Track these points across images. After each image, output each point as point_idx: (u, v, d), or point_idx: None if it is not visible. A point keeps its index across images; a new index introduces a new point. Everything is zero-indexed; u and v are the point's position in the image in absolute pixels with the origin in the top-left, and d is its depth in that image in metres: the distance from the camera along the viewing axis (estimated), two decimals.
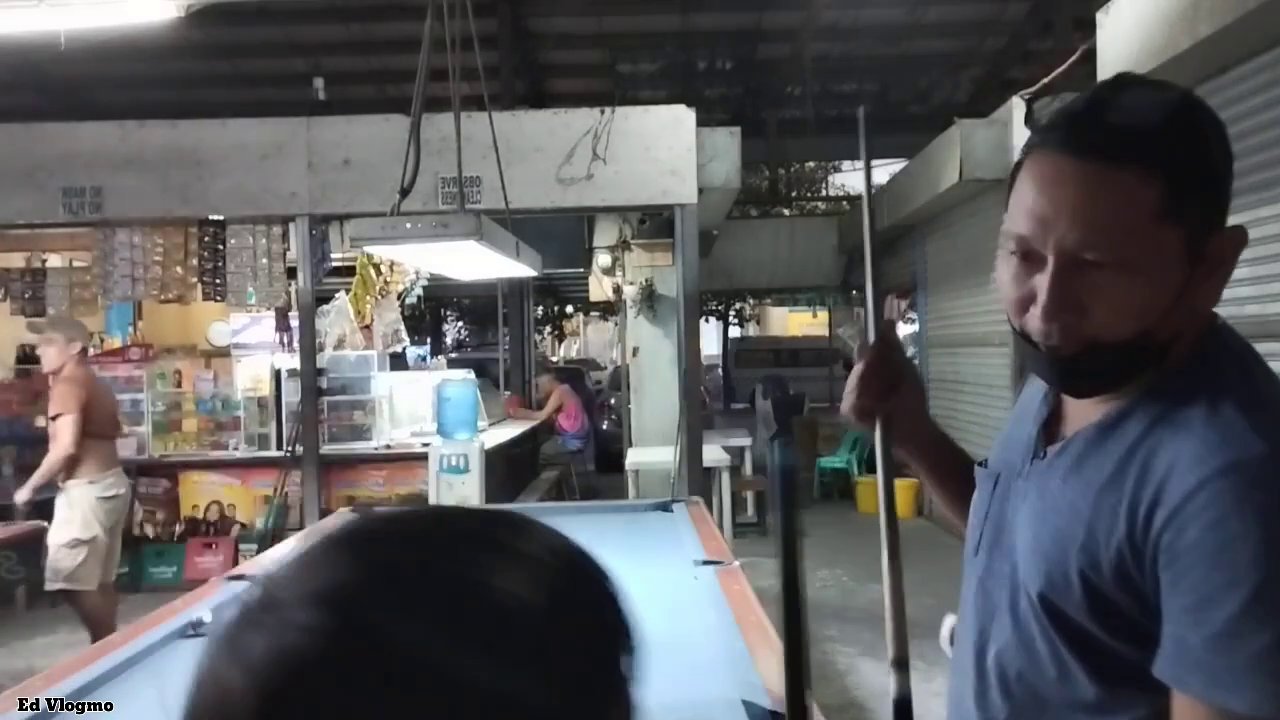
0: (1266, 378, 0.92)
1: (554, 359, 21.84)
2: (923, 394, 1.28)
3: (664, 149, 6.64)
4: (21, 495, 4.69)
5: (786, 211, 15.72)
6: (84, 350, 4.88)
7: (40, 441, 7.17)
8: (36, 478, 4.67)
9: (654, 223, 8.39)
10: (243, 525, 6.85)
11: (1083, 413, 0.98)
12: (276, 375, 7.11)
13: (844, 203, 17.57)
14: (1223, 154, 0.90)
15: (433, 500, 6.29)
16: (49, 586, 4.71)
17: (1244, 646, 0.78)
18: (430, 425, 7.12)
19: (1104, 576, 0.87)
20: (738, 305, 22.27)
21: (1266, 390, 0.90)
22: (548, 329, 24.71)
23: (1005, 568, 1.00)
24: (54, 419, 4.63)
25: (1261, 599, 0.78)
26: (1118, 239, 0.86)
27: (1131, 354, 0.91)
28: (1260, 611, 0.78)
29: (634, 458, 7.67)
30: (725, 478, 7.58)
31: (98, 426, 4.75)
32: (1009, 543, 1.00)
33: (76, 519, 4.65)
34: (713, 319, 21.45)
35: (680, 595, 2.66)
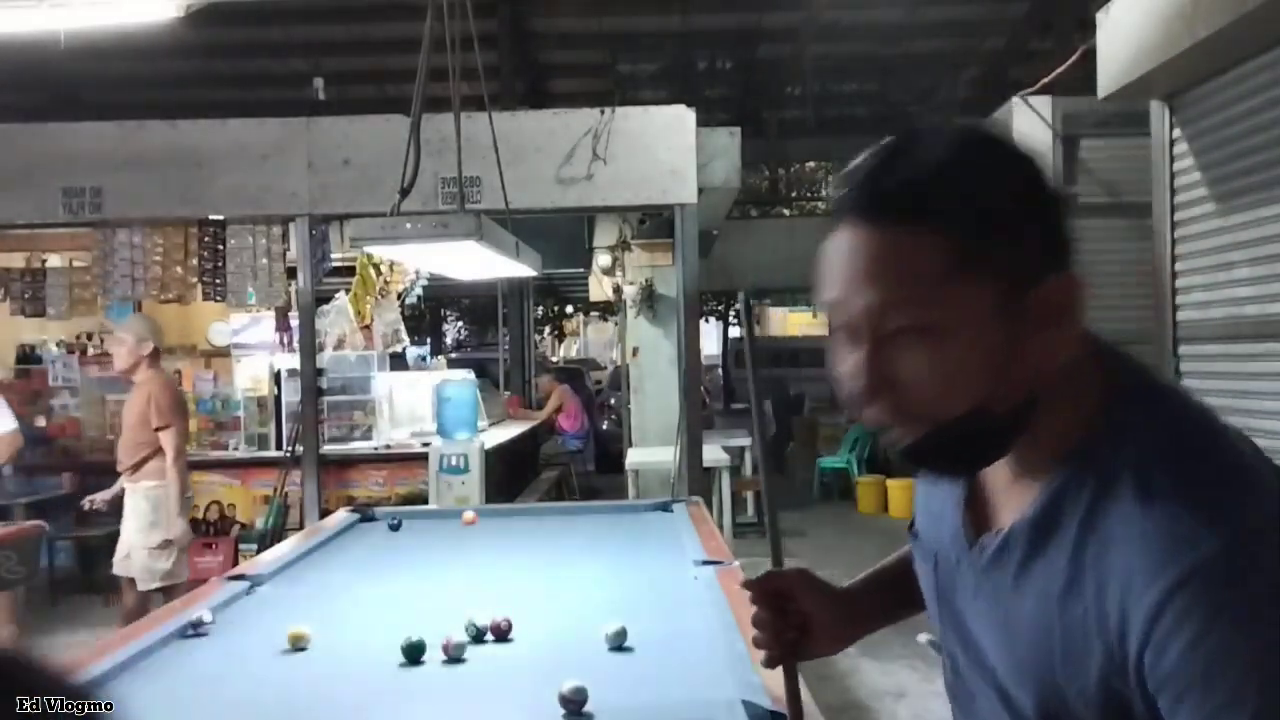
0: (1186, 424, 0.82)
1: (554, 359, 21.84)
2: (832, 596, 1.19)
3: (664, 149, 6.64)
4: (178, 528, 4.84)
5: (786, 211, 15.72)
6: (156, 351, 4.91)
7: (39, 441, 7.23)
8: (176, 499, 4.82)
9: (654, 223, 8.39)
10: (243, 525, 6.85)
11: (1006, 494, 0.89)
12: (276, 375, 7.11)
13: None
14: (1027, 193, 0.81)
15: (432, 501, 6.30)
16: (144, 587, 4.84)
17: None
18: (430, 425, 7.12)
19: (1093, 697, 0.80)
20: (738, 305, 22.27)
21: (1190, 442, 0.80)
22: (548, 329, 24.71)
23: (979, 660, 0.93)
24: (158, 430, 4.77)
25: (1269, 713, 0.70)
26: (913, 305, 0.79)
27: (972, 431, 0.82)
28: None
29: (634, 458, 7.66)
30: (725, 478, 7.58)
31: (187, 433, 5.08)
32: (973, 636, 0.93)
33: (163, 520, 4.83)
34: (713, 319, 21.45)
35: (680, 595, 2.66)
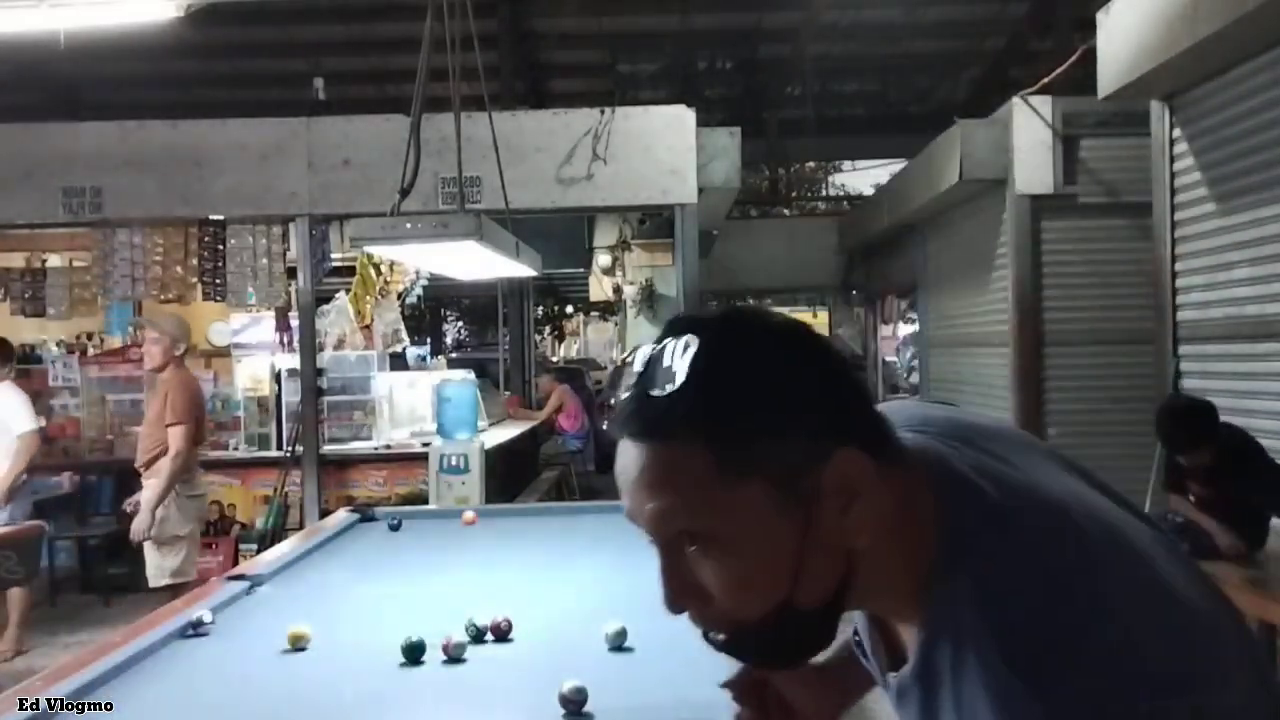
0: (1017, 573, 0.77)
1: (554, 359, 21.82)
2: (813, 674, 1.15)
3: (664, 149, 6.64)
4: (142, 522, 4.81)
5: (786, 211, 15.73)
6: (186, 352, 5.05)
7: (43, 441, 7.22)
8: (157, 494, 4.80)
9: (654, 223, 8.41)
10: (243, 525, 6.85)
11: (901, 628, 0.88)
12: (277, 375, 7.11)
13: (844, 203, 17.58)
14: (787, 382, 0.78)
15: (432, 501, 6.30)
16: (154, 584, 4.86)
17: None
18: (430, 425, 7.12)
19: None
20: (738, 305, 22.23)
21: (1019, 598, 0.76)
22: (548, 329, 24.69)
23: None
24: (169, 426, 4.81)
25: None
26: (687, 514, 0.78)
27: (782, 625, 0.81)
28: None
29: None
30: None
31: (200, 434, 5.05)
32: None
33: (173, 517, 4.87)
34: None
35: None
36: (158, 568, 4.86)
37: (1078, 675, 0.71)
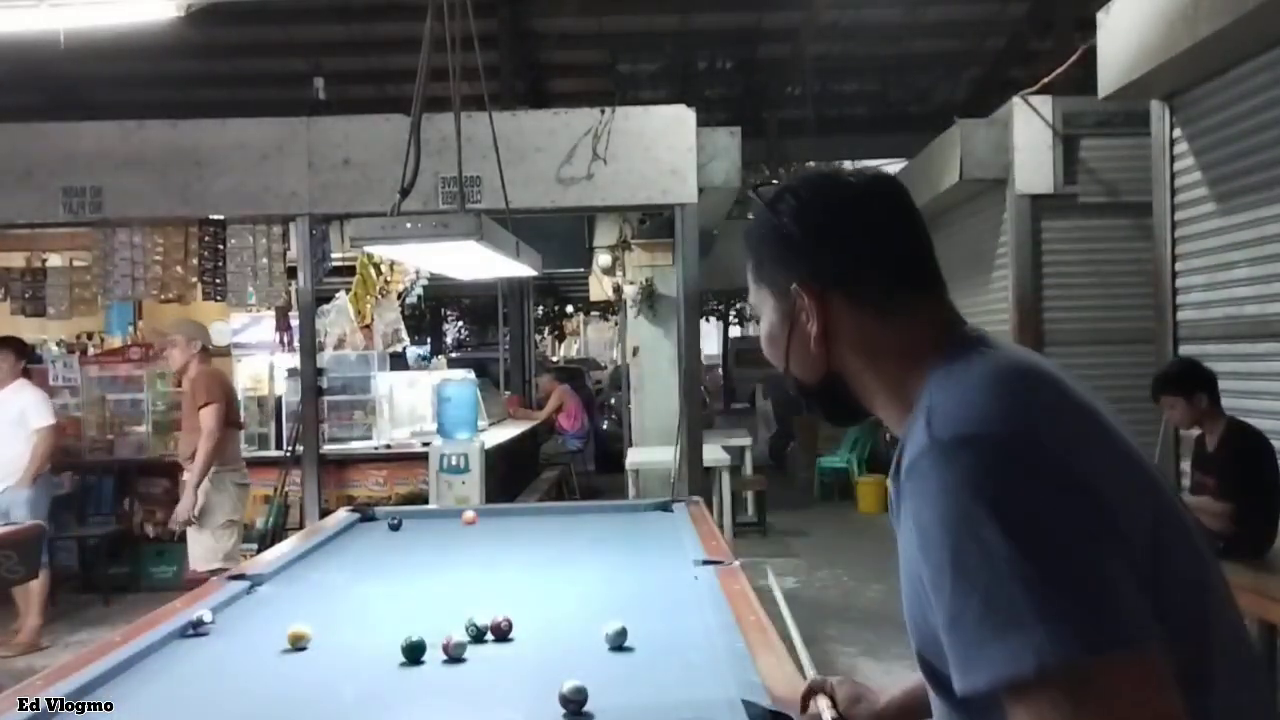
0: (969, 383, 0.94)
1: (554, 359, 21.83)
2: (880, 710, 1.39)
3: (664, 149, 6.64)
4: (185, 502, 4.92)
5: None
6: (204, 348, 5.20)
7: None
8: (197, 472, 4.91)
9: (654, 223, 8.40)
10: (243, 525, 6.85)
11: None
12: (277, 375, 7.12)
13: None
14: (787, 235, 1.10)
15: (432, 500, 6.30)
16: (202, 567, 4.90)
17: (968, 621, 0.80)
18: (430, 425, 7.12)
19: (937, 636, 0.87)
20: (738, 305, 22.27)
21: (961, 394, 0.93)
22: (548, 329, 24.70)
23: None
24: (201, 408, 4.93)
25: (958, 573, 0.81)
26: (750, 294, 1.19)
27: (792, 382, 1.15)
28: (962, 586, 0.81)
29: (634, 458, 7.67)
30: (725, 478, 7.58)
31: (234, 416, 5.17)
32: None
33: (227, 502, 4.99)
34: (713, 319, 21.43)
35: (680, 595, 2.65)
36: (209, 549, 4.93)
37: (973, 424, 0.88)
